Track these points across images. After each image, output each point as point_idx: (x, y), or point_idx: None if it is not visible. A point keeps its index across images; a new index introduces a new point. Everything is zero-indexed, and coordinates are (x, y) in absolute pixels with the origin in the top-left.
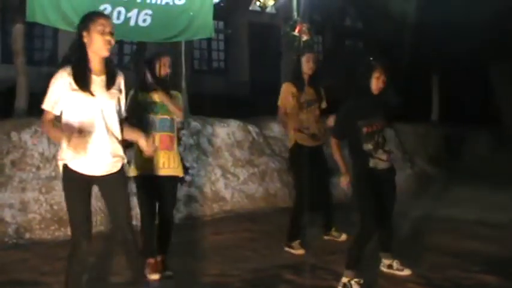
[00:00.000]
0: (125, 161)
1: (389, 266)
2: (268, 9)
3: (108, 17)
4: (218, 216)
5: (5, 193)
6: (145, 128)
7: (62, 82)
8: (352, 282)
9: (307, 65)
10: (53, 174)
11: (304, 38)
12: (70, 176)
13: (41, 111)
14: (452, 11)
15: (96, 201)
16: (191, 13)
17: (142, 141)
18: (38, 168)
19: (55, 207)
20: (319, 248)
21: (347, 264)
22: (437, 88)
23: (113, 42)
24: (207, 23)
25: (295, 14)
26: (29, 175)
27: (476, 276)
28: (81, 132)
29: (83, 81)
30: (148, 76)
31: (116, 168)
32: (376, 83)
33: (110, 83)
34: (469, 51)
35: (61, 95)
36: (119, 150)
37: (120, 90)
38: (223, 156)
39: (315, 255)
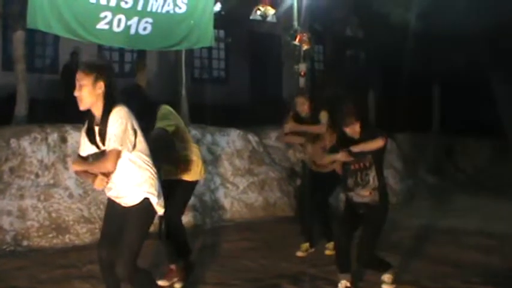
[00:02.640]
0: (147, 195)
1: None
2: (268, 19)
3: (80, 69)
4: (217, 225)
5: (3, 200)
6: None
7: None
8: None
9: (302, 108)
10: (52, 181)
11: (305, 47)
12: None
13: (41, 119)
14: (454, 21)
15: (96, 209)
16: (192, 22)
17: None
18: (37, 175)
19: (53, 214)
20: (318, 259)
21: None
22: (438, 98)
23: (78, 95)
24: (207, 32)
25: (295, 23)
26: (27, 182)
27: (476, 287)
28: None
29: (88, 135)
30: None
31: (131, 202)
32: (348, 131)
33: (101, 134)
34: (470, 61)
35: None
36: (127, 186)
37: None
38: (223, 165)
39: (315, 266)
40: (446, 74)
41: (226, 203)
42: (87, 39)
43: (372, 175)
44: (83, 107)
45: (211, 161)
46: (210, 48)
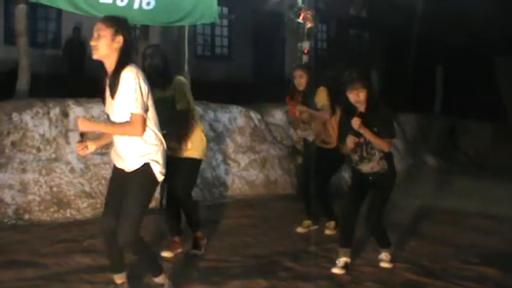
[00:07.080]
0: (149, 161)
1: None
2: None
3: (101, 20)
4: (218, 201)
5: (5, 174)
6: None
7: None
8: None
9: (299, 81)
10: (53, 156)
11: (308, 25)
12: (114, 166)
13: (43, 93)
14: (459, 1)
15: (97, 185)
16: None
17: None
18: (39, 149)
19: (55, 189)
20: (319, 237)
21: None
22: (441, 79)
23: (95, 44)
24: (211, 8)
25: (299, 0)
26: (29, 156)
27: (476, 268)
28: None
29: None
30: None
31: (133, 167)
32: (352, 97)
33: (111, 88)
34: (474, 42)
35: None
36: (134, 149)
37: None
38: (225, 142)
39: (316, 244)
40: (450, 54)
41: (227, 179)
42: (90, 14)
43: (377, 148)
44: (96, 56)
45: (213, 137)
46: (213, 25)
